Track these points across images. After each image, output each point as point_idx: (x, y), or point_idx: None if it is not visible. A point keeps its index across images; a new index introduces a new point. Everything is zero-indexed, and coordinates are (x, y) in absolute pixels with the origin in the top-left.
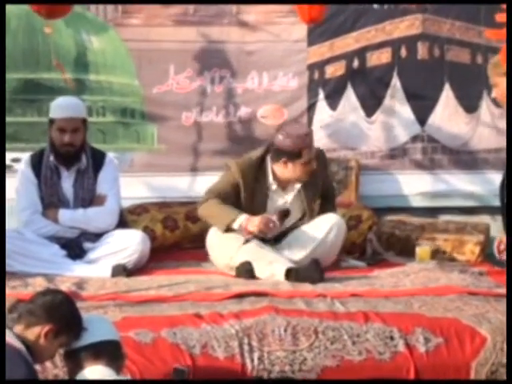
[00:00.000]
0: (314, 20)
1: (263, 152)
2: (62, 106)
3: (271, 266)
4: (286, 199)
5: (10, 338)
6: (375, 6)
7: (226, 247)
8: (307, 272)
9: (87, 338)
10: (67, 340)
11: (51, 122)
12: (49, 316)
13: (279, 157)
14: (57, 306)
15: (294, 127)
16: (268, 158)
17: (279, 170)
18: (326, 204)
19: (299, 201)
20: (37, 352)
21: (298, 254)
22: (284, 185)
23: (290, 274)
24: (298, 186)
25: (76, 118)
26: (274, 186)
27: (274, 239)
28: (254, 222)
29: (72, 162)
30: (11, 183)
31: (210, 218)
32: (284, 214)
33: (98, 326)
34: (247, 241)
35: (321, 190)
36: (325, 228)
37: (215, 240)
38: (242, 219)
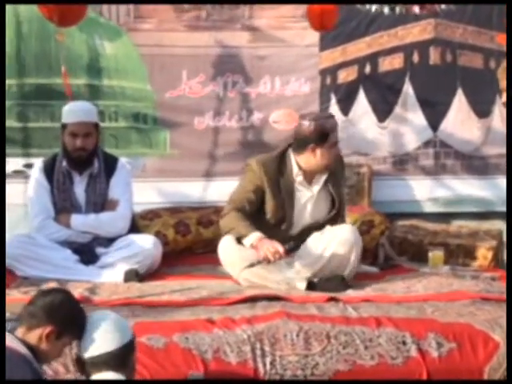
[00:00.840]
0: (324, 27)
1: (283, 148)
2: (73, 111)
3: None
4: (312, 191)
5: (13, 343)
6: (386, 11)
7: (234, 262)
8: (331, 287)
9: (91, 350)
10: (71, 340)
11: (63, 127)
12: (49, 317)
13: (306, 144)
14: (57, 307)
15: (316, 113)
16: (289, 152)
17: (306, 159)
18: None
19: (326, 192)
20: (41, 354)
21: (308, 269)
22: (310, 177)
23: (312, 287)
24: (323, 178)
25: (88, 123)
26: (299, 178)
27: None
28: (263, 246)
29: (84, 166)
30: (24, 189)
31: (227, 231)
32: (294, 247)
33: (103, 334)
34: (252, 265)
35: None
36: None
37: (225, 252)
38: (254, 238)
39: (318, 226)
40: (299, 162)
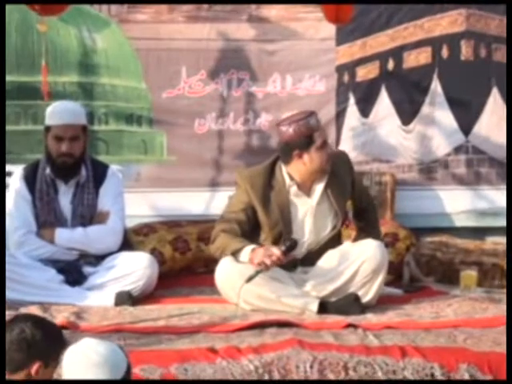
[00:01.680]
0: (341, 20)
1: (273, 159)
2: (58, 112)
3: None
4: (310, 203)
5: None
6: None
7: (232, 282)
8: (344, 306)
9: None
10: (58, 360)
11: (47, 129)
12: (30, 356)
13: (290, 152)
14: (32, 342)
15: (295, 115)
16: (280, 163)
17: (296, 168)
18: (367, 222)
19: (327, 202)
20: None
21: (322, 288)
22: (306, 186)
23: (324, 308)
24: (321, 185)
25: (74, 125)
26: (293, 189)
27: (300, 263)
28: (257, 254)
29: (70, 174)
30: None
31: (220, 254)
32: (290, 245)
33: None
34: (250, 278)
35: (351, 193)
36: (357, 260)
37: (222, 274)
38: (249, 251)
39: (328, 246)
40: (290, 172)
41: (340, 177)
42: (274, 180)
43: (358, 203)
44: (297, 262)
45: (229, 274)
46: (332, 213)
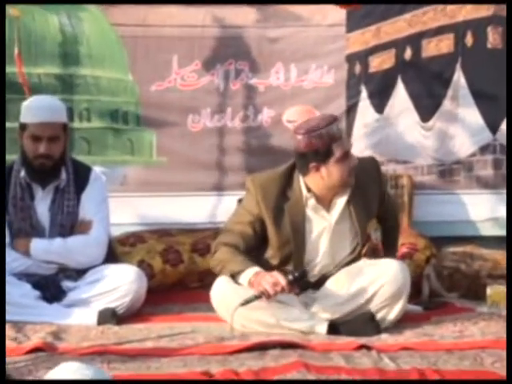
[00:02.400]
0: (351, 3)
1: (291, 164)
2: (36, 108)
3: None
4: (329, 220)
5: None
6: None
7: (227, 303)
8: (358, 327)
9: None
10: None
11: (22, 127)
12: None
13: (307, 164)
14: None
15: (314, 120)
16: (297, 173)
17: (313, 181)
18: (389, 238)
19: (348, 221)
20: None
21: (331, 311)
22: (326, 200)
23: (334, 330)
24: (343, 199)
25: (54, 124)
26: (311, 201)
27: (312, 286)
28: (261, 280)
29: (49, 178)
30: None
31: (219, 271)
32: (299, 277)
33: None
34: (246, 302)
35: (377, 210)
36: (376, 283)
37: (218, 293)
38: (251, 274)
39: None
40: (308, 183)
41: (366, 190)
42: (290, 190)
43: (383, 221)
44: (308, 285)
45: (225, 294)
46: (352, 233)
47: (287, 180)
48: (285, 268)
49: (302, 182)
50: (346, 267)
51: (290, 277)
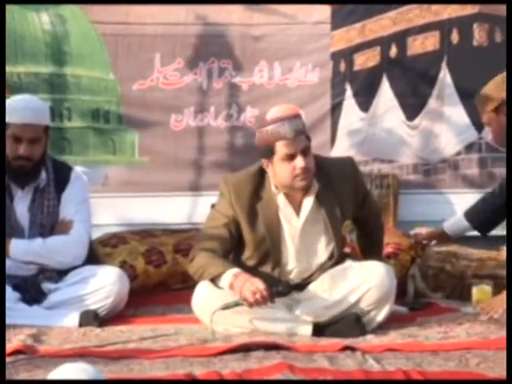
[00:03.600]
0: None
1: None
2: (20, 109)
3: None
4: (297, 221)
5: None
6: None
7: (206, 306)
8: (343, 329)
9: None
10: None
11: (5, 126)
12: None
13: (260, 158)
14: None
15: (273, 112)
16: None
17: (272, 176)
18: (371, 243)
19: (322, 223)
20: None
21: (316, 314)
22: (295, 199)
23: (319, 332)
24: (310, 199)
25: (36, 126)
26: (280, 198)
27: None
28: (240, 284)
29: (27, 180)
30: None
31: (199, 276)
32: (281, 292)
33: None
34: (226, 307)
35: (355, 210)
36: (362, 287)
37: (198, 298)
38: (230, 276)
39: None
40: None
41: (339, 190)
42: (263, 189)
43: (363, 224)
44: (290, 288)
45: (206, 300)
46: (327, 236)
47: (260, 179)
48: (272, 280)
49: (271, 180)
50: (330, 269)
51: (274, 289)
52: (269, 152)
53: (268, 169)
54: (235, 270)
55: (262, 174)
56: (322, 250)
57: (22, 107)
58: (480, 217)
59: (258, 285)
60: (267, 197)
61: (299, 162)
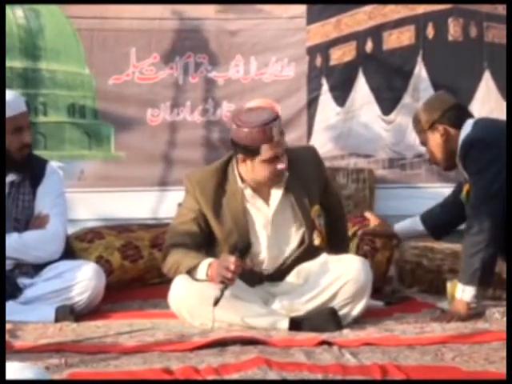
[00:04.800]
0: None
1: (227, 157)
2: (11, 101)
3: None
4: (267, 211)
5: None
6: None
7: (195, 307)
8: (319, 323)
9: None
10: None
11: None
12: None
13: (236, 152)
14: None
15: (254, 114)
16: (233, 164)
17: (243, 170)
18: (336, 233)
19: (290, 211)
20: None
21: (293, 309)
22: (263, 191)
23: (296, 326)
24: (279, 190)
25: (27, 112)
26: (247, 192)
27: (266, 279)
28: (215, 271)
29: (30, 166)
30: None
31: (174, 272)
32: (243, 248)
33: None
34: (218, 300)
35: (320, 196)
36: (339, 280)
37: (178, 297)
38: (206, 267)
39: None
40: (240, 171)
41: (305, 178)
42: (227, 183)
43: (328, 212)
44: (263, 277)
45: (185, 294)
46: (297, 222)
47: (223, 174)
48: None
49: (236, 173)
50: (307, 262)
51: (236, 253)
52: (252, 152)
53: (242, 164)
54: (210, 260)
55: (224, 170)
56: (293, 236)
57: (13, 99)
58: (438, 224)
59: (225, 259)
60: (231, 190)
61: (281, 164)
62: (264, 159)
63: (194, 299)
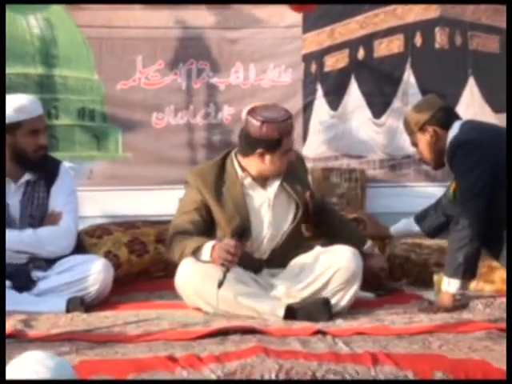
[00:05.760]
0: (306, 8)
1: (224, 154)
2: (28, 105)
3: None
4: (267, 195)
5: None
6: None
7: (193, 288)
8: (313, 312)
9: None
10: None
11: (14, 127)
12: None
13: (254, 148)
14: None
15: (271, 111)
16: (231, 156)
17: (253, 163)
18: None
19: (285, 194)
20: None
21: (291, 295)
22: (261, 179)
23: (291, 314)
24: (277, 180)
25: (44, 115)
26: (247, 180)
27: (266, 264)
28: (217, 253)
29: (45, 166)
30: None
31: (180, 256)
32: (241, 231)
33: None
34: (221, 283)
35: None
36: (331, 268)
37: (182, 279)
38: (209, 249)
39: (291, 244)
40: (244, 165)
41: (296, 175)
42: (226, 174)
43: (324, 213)
44: (262, 263)
45: (191, 274)
46: (292, 204)
47: (222, 168)
48: (244, 253)
49: (237, 165)
50: (295, 245)
51: (235, 236)
52: (274, 145)
53: (253, 159)
54: (213, 242)
55: (222, 164)
56: (289, 217)
57: (30, 102)
58: (432, 224)
59: (225, 242)
60: (231, 180)
61: (290, 155)
62: (283, 151)
63: (200, 279)
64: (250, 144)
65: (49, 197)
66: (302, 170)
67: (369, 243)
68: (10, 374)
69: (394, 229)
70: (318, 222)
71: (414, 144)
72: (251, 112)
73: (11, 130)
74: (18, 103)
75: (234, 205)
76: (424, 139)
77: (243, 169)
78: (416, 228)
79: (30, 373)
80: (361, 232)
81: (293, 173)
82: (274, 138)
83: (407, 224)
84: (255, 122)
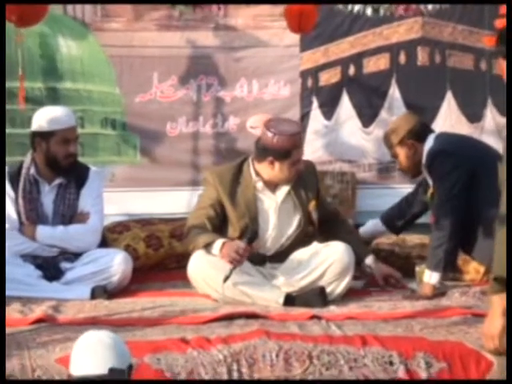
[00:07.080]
0: (303, 30)
1: (242, 159)
2: (64, 116)
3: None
4: (275, 199)
5: None
6: (369, 12)
7: (210, 277)
8: (309, 299)
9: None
10: None
11: (47, 135)
12: None
13: (265, 156)
14: None
15: (285, 124)
16: (248, 161)
17: (265, 169)
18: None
19: (291, 202)
20: None
21: (290, 285)
22: (272, 184)
23: (290, 301)
24: (287, 187)
25: (75, 127)
26: (259, 184)
27: (269, 260)
28: (226, 251)
29: (75, 172)
30: None
31: (192, 249)
32: (251, 235)
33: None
34: (227, 277)
35: (315, 199)
36: (326, 261)
37: (196, 268)
38: (220, 245)
39: (295, 246)
40: (258, 169)
41: (305, 184)
42: (242, 177)
43: (328, 215)
44: (265, 258)
45: (201, 265)
46: (298, 211)
47: (239, 170)
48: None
49: (252, 170)
50: (299, 246)
51: (245, 239)
52: (284, 155)
53: (265, 166)
54: (224, 240)
55: (240, 167)
56: (293, 221)
57: (64, 114)
58: (397, 222)
59: (235, 243)
60: (246, 182)
61: (299, 166)
62: (292, 162)
63: (209, 269)
64: (263, 152)
65: (78, 198)
66: (313, 180)
67: (370, 257)
68: (78, 343)
69: (363, 231)
70: (325, 230)
71: (395, 156)
72: (267, 123)
73: (45, 138)
74: (52, 114)
75: (246, 204)
76: (403, 152)
77: (257, 173)
78: (382, 228)
79: (94, 340)
80: (365, 246)
81: (302, 182)
82: (284, 148)
83: (375, 225)
84: (269, 133)
